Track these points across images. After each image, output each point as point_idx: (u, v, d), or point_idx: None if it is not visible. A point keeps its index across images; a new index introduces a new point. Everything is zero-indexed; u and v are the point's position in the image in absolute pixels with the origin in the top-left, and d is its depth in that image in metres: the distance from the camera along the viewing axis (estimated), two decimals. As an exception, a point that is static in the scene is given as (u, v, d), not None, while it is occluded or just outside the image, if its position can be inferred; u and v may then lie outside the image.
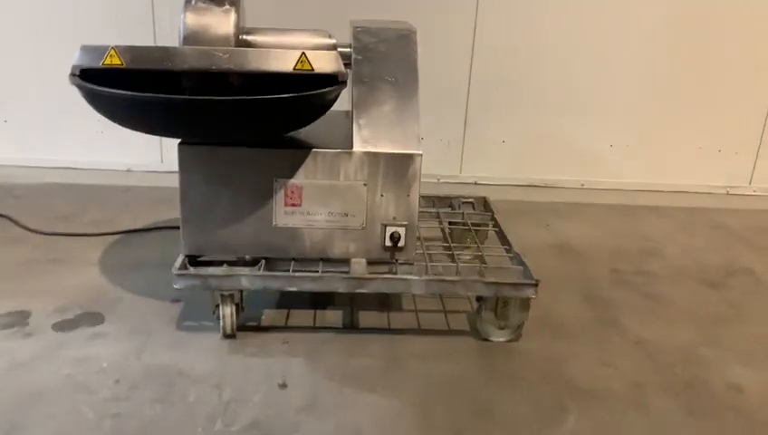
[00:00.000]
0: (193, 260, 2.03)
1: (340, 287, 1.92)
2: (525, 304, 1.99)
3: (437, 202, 2.62)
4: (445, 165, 3.48)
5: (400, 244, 2.01)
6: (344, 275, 1.92)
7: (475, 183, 3.49)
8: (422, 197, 2.56)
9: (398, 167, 1.97)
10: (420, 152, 1.97)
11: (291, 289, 1.92)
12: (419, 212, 2.15)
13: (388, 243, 2.01)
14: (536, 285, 1.94)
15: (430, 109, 3.34)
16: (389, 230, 2.00)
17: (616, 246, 2.90)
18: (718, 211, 3.41)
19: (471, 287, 1.95)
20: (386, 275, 1.93)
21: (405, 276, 1.94)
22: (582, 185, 3.51)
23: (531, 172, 3.48)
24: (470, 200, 2.62)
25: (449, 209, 2.61)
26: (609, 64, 3.36)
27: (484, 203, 2.62)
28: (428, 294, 1.96)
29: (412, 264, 2.06)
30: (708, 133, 3.48)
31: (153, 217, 2.94)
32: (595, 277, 2.56)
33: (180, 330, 2.05)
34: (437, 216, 2.51)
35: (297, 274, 1.92)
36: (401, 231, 2.00)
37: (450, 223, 2.53)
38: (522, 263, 2.08)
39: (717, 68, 3.39)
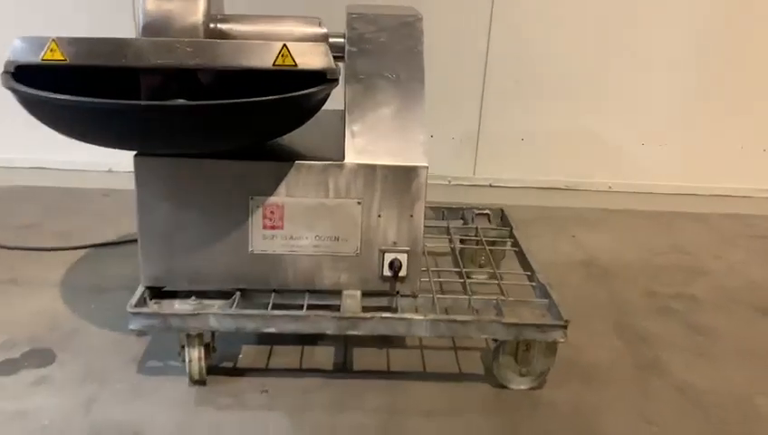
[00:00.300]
0: (156, 292, 1.71)
1: (329, 328, 1.60)
2: (552, 348, 1.66)
3: (447, 214, 2.28)
4: (456, 165, 3.13)
5: (402, 273, 1.68)
6: (333, 314, 1.60)
7: (490, 185, 3.14)
8: (429, 207, 2.24)
9: (400, 182, 1.63)
10: (426, 165, 1.63)
11: (268, 330, 1.60)
12: (425, 227, 1.84)
13: (387, 272, 1.68)
14: (565, 326, 1.61)
15: (440, 103, 3.01)
16: (389, 257, 1.68)
17: (651, 261, 2.55)
18: (763, 218, 3.05)
19: (486, 329, 1.62)
20: (384, 314, 1.60)
21: (406, 315, 1.61)
22: (610, 187, 3.15)
23: (553, 173, 3.13)
24: (485, 212, 2.28)
25: (461, 222, 2.27)
26: (643, 54, 2.99)
27: (502, 215, 2.28)
28: (435, 336, 1.63)
29: (416, 296, 1.74)
30: (751, 131, 3.10)
31: (132, 226, 2.61)
32: (629, 303, 2.22)
33: (142, 373, 1.74)
34: (447, 231, 2.18)
35: (276, 312, 1.60)
36: (403, 258, 1.68)
37: (462, 240, 2.19)
38: (547, 295, 1.74)
39: (762, 59, 3.01)
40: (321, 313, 1.59)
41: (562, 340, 1.62)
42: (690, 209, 3.08)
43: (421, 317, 1.60)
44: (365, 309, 1.67)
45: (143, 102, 1.33)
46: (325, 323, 1.59)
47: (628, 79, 3.02)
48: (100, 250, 2.43)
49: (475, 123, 3.08)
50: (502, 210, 2.28)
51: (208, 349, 1.68)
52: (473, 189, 3.12)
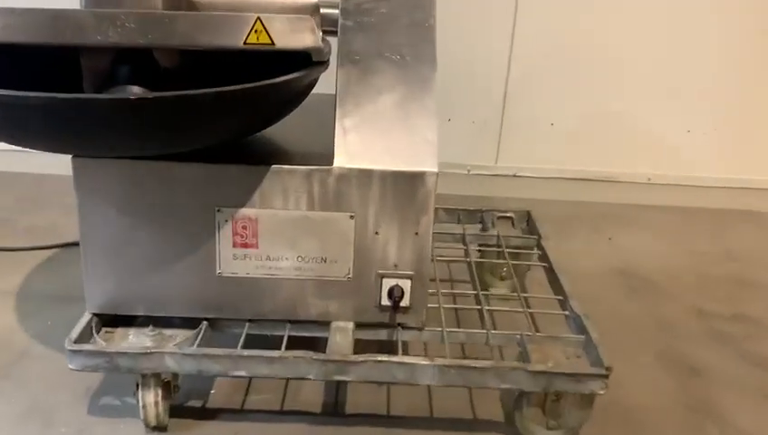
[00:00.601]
0: (110, 317, 1.42)
1: (311, 373, 1.30)
2: (588, 400, 1.34)
3: (463, 216, 1.96)
4: (477, 152, 2.79)
5: (404, 303, 1.37)
6: (317, 356, 1.29)
7: (515, 175, 2.80)
8: (442, 208, 1.93)
9: (402, 191, 1.31)
10: (435, 170, 1.31)
11: (237, 374, 1.30)
12: (436, 234, 1.55)
13: (385, 301, 1.37)
14: (607, 375, 1.29)
15: (459, 81, 2.68)
16: (388, 284, 1.36)
17: (699, 271, 2.21)
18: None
19: (508, 378, 1.30)
20: (379, 357, 1.29)
21: (408, 359, 1.30)
22: (649, 179, 2.79)
23: (586, 163, 2.78)
24: (508, 215, 1.95)
25: (479, 227, 1.95)
26: (689, 27, 2.61)
27: (528, 218, 1.95)
28: (443, 385, 1.32)
29: (422, 329, 1.43)
30: (815, 116, 2.73)
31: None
32: (676, 325, 1.89)
33: (93, 413, 1.45)
34: (462, 239, 1.85)
35: (247, 352, 1.30)
36: (405, 285, 1.36)
37: (480, 250, 1.87)
38: (583, 329, 1.42)
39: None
40: (301, 353, 1.29)
41: (602, 392, 1.30)
42: (742, 206, 2.72)
43: (426, 362, 1.29)
44: (358, 344, 1.37)
45: (60, 95, 1.02)
46: (306, 367, 1.29)
47: (672, 57, 2.64)
48: (71, 249, 2.15)
49: (499, 105, 2.74)
50: (528, 213, 1.95)
51: (169, 388, 1.38)
52: (495, 180, 2.79)
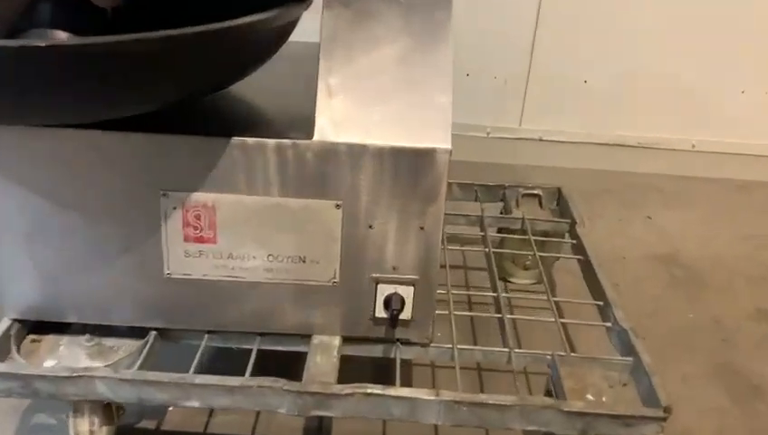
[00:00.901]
0: (38, 326, 1.14)
1: (283, 407, 1.01)
2: (638, 445, 1.05)
3: (482, 193, 1.64)
4: (498, 113, 2.46)
5: (405, 315, 1.08)
6: (289, 386, 1.00)
7: (540, 139, 2.47)
8: (456, 184, 1.63)
9: (405, 173, 1.00)
10: (448, 147, 1.00)
11: (189, 405, 1.02)
12: (447, 215, 1.28)
13: (381, 313, 1.08)
14: (665, 418, 1.00)
15: (480, 30, 2.36)
16: (384, 291, 1.07)
17: (754, 258, 1.90)
18: None
19: (535, 418, 1.01)
20: (369, 389, 1.00)
21: (406, 392, 1.01)
22: (694, 146, 2.46)
23: (622, 127, 2.44)
24: (535, 192, 1.64)
25: (501, 206, 1.64)
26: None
27: (559, 196, 1.64)
28: (451, 424, 1.04)
29: (428, 345, 1.14)
30: None
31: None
32: (730, 328, 1.59)
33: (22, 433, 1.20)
34: (480, 222, 1.55)
35: (200, 378, 1.01)
36: (407, 293, 1.06)
37: (502, 239, 1.57)
38: (631, 349, 1.12)
39: None
40: (269, 382, 1.00)
41: (658, 437, 1.01)
42: (802, 179, 2.39)
43: (430, 396, 1.00)
44: (346, 362, 1.09)
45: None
46: (277, 400, 1.00)
47: (722, 7, 2.28)
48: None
49: (525, 59, 2.40)
50: (559, 190, 1.64)
51: (110, 413, 1.11)
52: (518, 144, 2.47)
